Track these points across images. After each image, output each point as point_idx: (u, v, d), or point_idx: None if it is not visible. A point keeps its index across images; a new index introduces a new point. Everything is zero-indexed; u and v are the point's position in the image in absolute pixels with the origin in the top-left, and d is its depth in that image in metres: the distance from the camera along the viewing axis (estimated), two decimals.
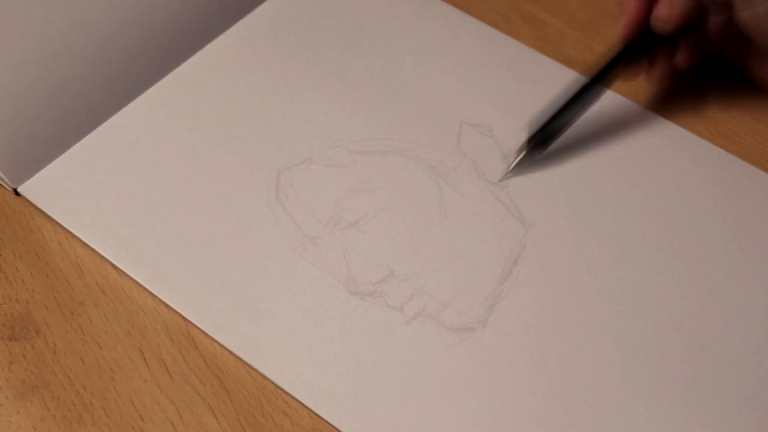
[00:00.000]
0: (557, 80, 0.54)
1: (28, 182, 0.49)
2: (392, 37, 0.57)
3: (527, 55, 0.57)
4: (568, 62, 0.57)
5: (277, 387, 0.43)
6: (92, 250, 0.47)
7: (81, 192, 0.49)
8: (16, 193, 0.49)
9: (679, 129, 0.53)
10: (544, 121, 0.51)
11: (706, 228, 0.49)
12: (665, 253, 0.48)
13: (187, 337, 0.44)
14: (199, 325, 0.44)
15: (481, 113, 0.54)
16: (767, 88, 0.53)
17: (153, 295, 0.45)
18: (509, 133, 0.53)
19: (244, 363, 0.43)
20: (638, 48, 0.52)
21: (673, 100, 0.55)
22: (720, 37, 0.52)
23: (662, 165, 0.52)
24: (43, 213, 0.48)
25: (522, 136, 0.51)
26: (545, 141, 0.51)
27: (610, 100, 0.54)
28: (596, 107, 0.53)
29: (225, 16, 0.57)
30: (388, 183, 0.50)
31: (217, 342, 0.44)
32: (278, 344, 0.44)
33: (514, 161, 0.51)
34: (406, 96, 0.54)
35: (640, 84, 0.55)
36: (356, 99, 0.54)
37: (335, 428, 0.42)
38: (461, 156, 0.51)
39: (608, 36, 0.58)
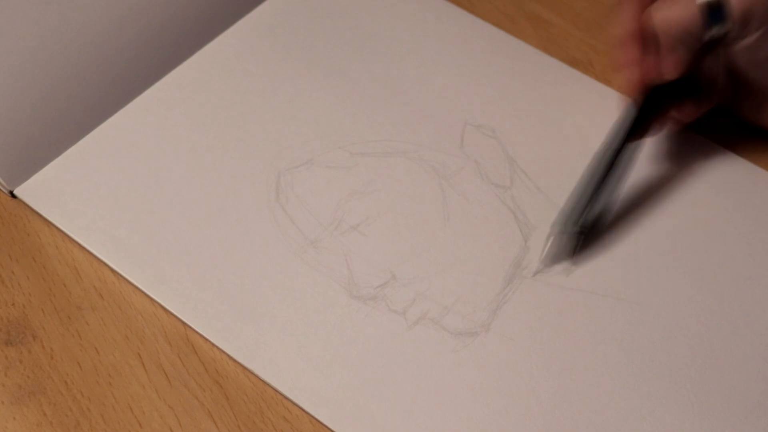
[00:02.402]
0: (561, 80, 0.54)
1: (24, 185, 0.49)
2: (394, 37, 0.57)
3: (531, 55, 0.57)
4: (573, 62, 0.56)
5: (278, 392, 0.43)
6: (90, 253, 0.47)
7: (78, 194, 0.49)
8: (13, 196, 0.49)
9: (685, 130, 0.53)
10: (581, 205, 0.47)
11: (713, 231, 0.49)
12: (672, 256, 0.48)
13: (186, 341, 0.44)
14: (198, 330, 0.44)
15: (484, 114, 0.53)
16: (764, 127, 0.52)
17: (151, 300, 0.45)
18: (513, 134, 0.52)
19: (244, 368, 0.43)
20: (649, 108, 0.50)
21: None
22: (715, 79, 0.51)
23: (669, 167, 0.51)
24: (40, 216, 0.48)
25: (564, 229, 0.48)
26: (592, 224, 0.48)
27: (611, 101, 0.54)
28: (598, 108, 0.53)
29: (224, 15, 0.57)
30: (390, 185, 0.50)
31: (216, 347, 0.44)
32: (278, 349, 0.44)
33: (569, 251, 0.47)
34: (409, 97, 0.54)
35: None
36: (358, 100, 0.53)
37: None
38: (464, 157, 0.51)
39: (613, 36, 0.58)
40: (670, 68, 0.49)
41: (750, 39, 0.47)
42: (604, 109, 0.53)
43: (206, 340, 0.44)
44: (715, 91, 0.51)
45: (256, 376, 0.43)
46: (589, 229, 0.48)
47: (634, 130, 0.49)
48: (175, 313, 0.45)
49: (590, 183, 0.48)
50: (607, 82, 0.55)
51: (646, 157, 0.52)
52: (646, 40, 0.49)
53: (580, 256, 0.47)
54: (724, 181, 0.51)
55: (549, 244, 0.47)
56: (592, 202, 0.47)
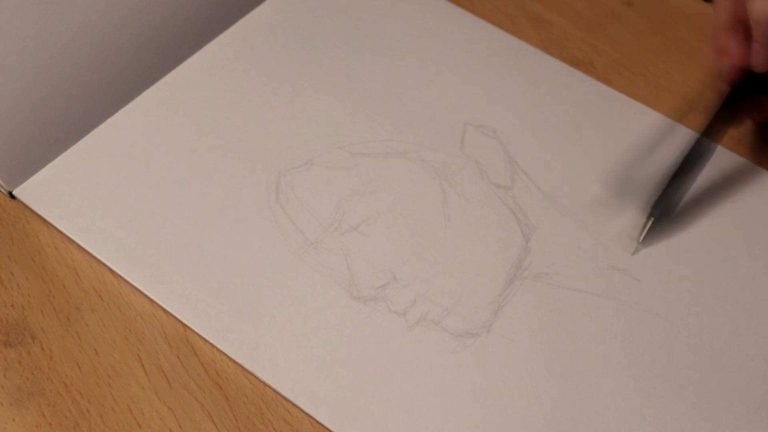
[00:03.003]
0: (562, 80, 0.54)
1: (23, 185, 0.49)
2: (395, 36, 0.57)
3: (532, 55, 0.56)
4: (574, 62, 0.56)
5: (278, 394, 0.42)
6: (89, 254, 0.46)
7: (78, 195, 0.48)
8: (12, 197, 0.49)
9: (687, 130, 0.53)
10: (664, 188, 0.48)
11: (714, 231, 0.49)
12: (673, 257, 0.48)
13: (185, 342, 0.44)
14: (198, 331, 0.44)
15: (485, 114, 0.53)
16: None
17: (151, 300, 0.45)
18: (514, 134, 0.52)
19: (244, 369, 0.43)
20: (742, 92, 0.49)
21: (682, 101, 0.55)
22: None
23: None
24: (39, 216, 0.48)
25: (644, 206, 0.49)
26: (669, 209, 0.48)
27: (614, 101, 0.54)
28: (601, 108, 0.52)
29: (224, 15, 0.57)
30: (391, 185, 0.50)
31: (216, 348, 0.44)
32: (279, 350, 0.43)
33: (643, 232, 0.48)
34: (409, 97, 0.54)
35: (648, 85, 0.54)
36: (358, 100, 0.53)
37: None
38: (465, 158, 0.51)
39: (614, 36, 0.58)
40: (761, 60, 0.48)
41: None
42: (605, 109, 0.53)
43: (206, 341, 0.44)
44: None
45: (256, 377, 0.43)
46: (663, 209, 0.48)
47: (723, 118, 0.49)
48: (175, 314, 0.44)
49: (681, 168, 0.48)
50: (608, 82, 0.55)
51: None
52: (742, 29, 0.48)
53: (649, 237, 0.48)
54: (725, 181, 0.51)
55: (649, 224, 0.48)
56: (676, 187, 0.48)
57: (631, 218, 0.48)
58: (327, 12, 0.58)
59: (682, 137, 0.50)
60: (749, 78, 0.49)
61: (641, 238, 0.48)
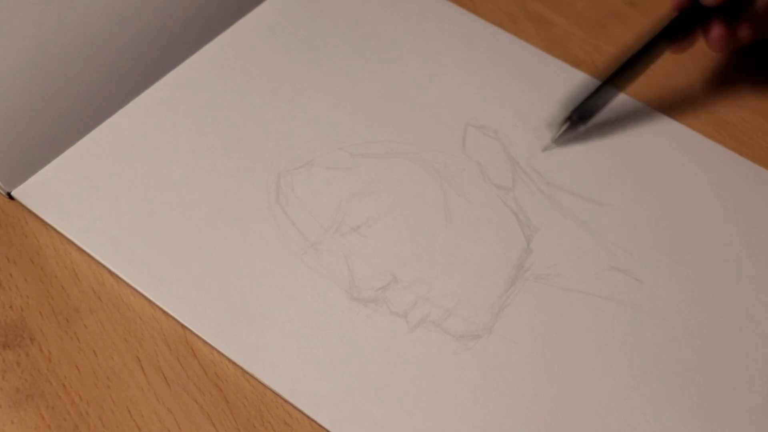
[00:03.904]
0: (564, 81, 0.54)
1: (22, 186, 0.48)
2: (395, 36, 0.57)
3: (533, 55, 0.56)
4: (575, 62, 0.56)
5: (278, 396, 0.42)
6: (88, 255, 0.46)
7: (77, 196, 0.48)
8: (10, 197, 0.49)
9: (691, 132, 0.53)
10: (588, 94, 0.51)
11: (716, 233, 0.49)
12: (675, 258, 0.47)
13: (185, 344, 0.44)
14: (197, 333, 0.44)
15: (486, 114, 0.53)
16: None
17: (150, 302, 0.45)
18: (515, 135, 0.52)
19: (244, 371, 0.43)
20: (688, 19, 0.51)
21: (686, 102, 0.55)
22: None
23: (673, 168, 0.51)
24: (38, 217, 0.48)
25: (563, 108, 0.52)
26: (587, 115, 0.52)
27: (621, 103, 0.54)
28: (606, 111, 0.52)
29: (224, 15, 0.57)
30: (392, 186, 0.49)
31: (215, 350, 0.44)
32: (279, 352, 0.43)
33: (558, 132, 0.52)
34: (410, 97, 0.54)
35: (651, 86, 0.54)
36: (358, 100, 0.53)
37: None
38: (466, 159, 0.51)
39: (616, 36, 0.58)
40: None
41: None
42: (608, 108, 0.53)
43: (205, 342, 0.44)
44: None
45: (256, 379, 0.43)
46: (581, 114, 0.52)
47: (669, 34, 0.51)
48: (174, 316, 0.44)
49: (607, 80, 0.52)
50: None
51: (647, 160, 0.51)
52: None
53: (561, 139, 0.52)
54: (727, 181, 0.51)
55: (565, 126, 0.52)
56: (598, 96, 0.52)
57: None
58: (327, 12, 0.58)
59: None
60: (695, 7, 0.51)
61: (555, 137, 0.52)
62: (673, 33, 0.51)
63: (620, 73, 0.52)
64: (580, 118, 0.52)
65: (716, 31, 0.51)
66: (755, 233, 0.49)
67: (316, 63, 0.55)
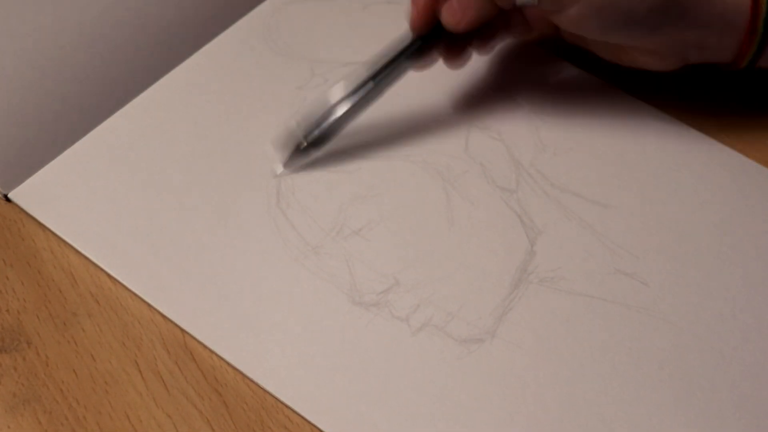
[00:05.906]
0: (567, 80, 0.54)
1: (19, 188, 0.48)
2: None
3: (536, 55, 0.56)
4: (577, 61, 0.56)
5: (278, 401, 0.42)
6: (86, 258, 0.46)
7: (74, 198, 0.48)
8: (7, 200, 0.48)
9: (697, 133, 0.53)
10: (322, 119, 0.49)
11: (723, 235, 0.48)
12: (681, 261, 0.47)
13: (184, 348, 0.44)
14: (196, 337, 0.44)
15: (489, 116, 0.53)
16: (626, 64, 0.52)
17: (149, 305, 0.45)
18: (518, 136, 0.52)
19: (244, 376, 0.43)
20: (430, 39, 0.49)
21: (691, 104, 0.54)
22: (540, 25, 0.51)
23: (679, 170, 0.51)
24: (35, 220, 0.48)
25: (294, 130, 0.49)
26: (322, 141, 0.49)
27: (626, 104, 0.54)
28: (610, 110, 0.52)
29: (224, 15, 0.57)
30: (394, 189, 0.49)
31: (215, 354, 0.43)
32: (279, 356, 0.43)
33: (287, 157, 0.49)
34: (411, 97, 0.53)
35: (656, 88, 0.54)
36: None
37: None
38: (469, 160, 0.51)
39: None
40: (452, 24, 0.48)
41: (570, 11, 0.47)
42: (611, 108, 0.53)
43: (205, 347, 0.43)
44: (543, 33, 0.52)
45: (256, 384, 0.42)
46: (312, 142, 0.49)
47: (407, 55, 0.49)
48: (173, 320, 0.44)
49: (337, 99, 0.49)
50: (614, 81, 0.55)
51: (652, 162, 0.51)
52: None
53: (292, 163, 0.50)
54: (734, 183, 0.50)
55: (294, 151, 0.49)
56: (332, 120, 0.49)
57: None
58: (327, 12, 0.58)
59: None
60: (437, 29, 0.49)
61: (285, 161, 0.49)
62: (413, 54, 0.49)
63: (357, 92, 0.49)
64: (313, 144, 0.49)
65: (452, 52, 0.50)
66: (762, 236, 0.48)
67: (317, 63, 0.55)
